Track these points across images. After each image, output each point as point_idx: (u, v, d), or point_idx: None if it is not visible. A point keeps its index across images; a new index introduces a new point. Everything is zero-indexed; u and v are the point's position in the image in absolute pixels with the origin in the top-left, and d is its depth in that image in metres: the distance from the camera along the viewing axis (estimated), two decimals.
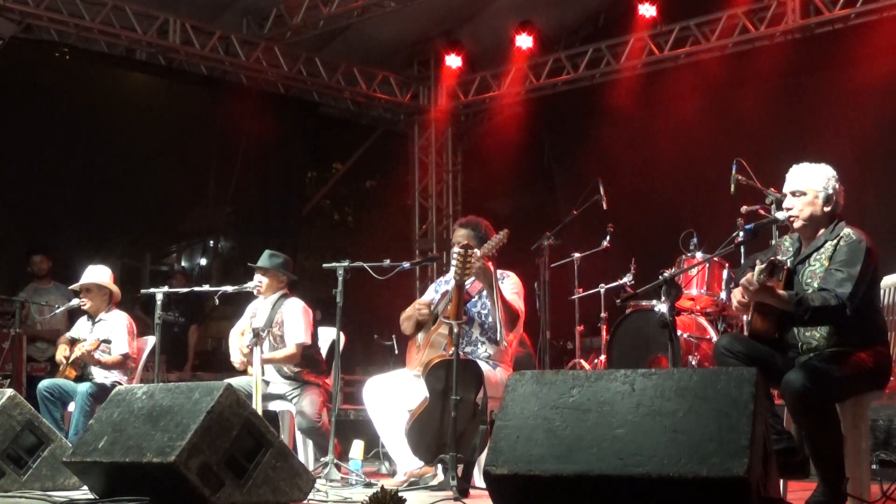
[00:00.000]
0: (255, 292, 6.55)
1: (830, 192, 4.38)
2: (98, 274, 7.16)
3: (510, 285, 5.79)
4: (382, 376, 5.96)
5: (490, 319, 5.71)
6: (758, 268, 4.14)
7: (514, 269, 6.01)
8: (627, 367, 3.84)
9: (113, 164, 10.53)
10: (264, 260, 6.56)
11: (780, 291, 4.20)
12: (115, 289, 7.19)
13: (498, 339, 5.70)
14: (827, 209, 4.38)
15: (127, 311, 7.30)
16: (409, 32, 11.84)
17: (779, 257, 4.50)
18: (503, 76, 11.90)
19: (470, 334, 5.75)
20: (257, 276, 6.54)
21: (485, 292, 5.68)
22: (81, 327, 7.24)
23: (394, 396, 5.73)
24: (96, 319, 7.11)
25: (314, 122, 12.41)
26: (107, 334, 6.97)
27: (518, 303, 5.73)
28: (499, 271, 5.77)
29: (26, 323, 8.75)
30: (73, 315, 8.04)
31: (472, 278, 5.61)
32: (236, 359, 6.43)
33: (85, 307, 7.13)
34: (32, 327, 9.02)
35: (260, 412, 5.74)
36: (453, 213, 12.76)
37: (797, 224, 4.43)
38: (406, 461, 5.57)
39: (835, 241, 4.32)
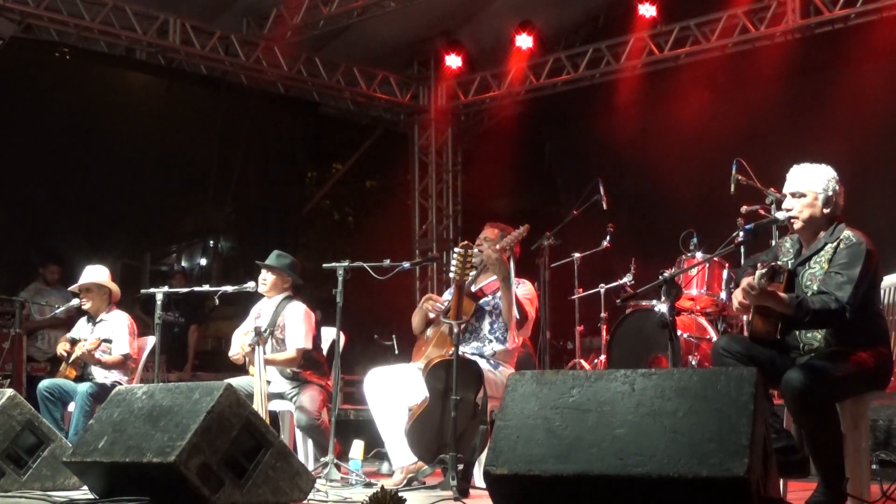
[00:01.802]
0: (259, 289, 6.55)
1: (830, 193, 4.36)
2: (97, 274, 7.16)
3: (524, 292, 5.84)
4: (384, 368, 5.97)
5: (499, 320, 5.74)
6: (759, 272, 4.13)
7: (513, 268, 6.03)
8: (627, 367, 3.84)
9: (113, 163, 10.53)
10: (272, 259, 6.57)
11: (781, 295, 4.19)
12: (115, 287, 7.20)
13: (506, 338, 5.72)
14: (826, 211, 4.37)
15: (127, 311, 7.30)
16: (409, 32, 11.84)
17: (780, 258, 4.51)
18: (503, 76, 11.91)
19: (479, 330, 5.79)
20: (263, 274, 6.55)
21: (499, 292, 5.70)
22: (82, 328, 7.24)
23: (394, 389, 5.74)
24: (97, 320, 7.11)
25: (314, 122, 12.41)
26: (108, 334, 6.97)
27: (529, 307, 5.77)
28: (514, 277, 5.81)
29: (29, 319, 8.78)
30: (73, 318, 8.06)
31: (471, 278, 5.64)
32: (234, 353, 6.43)
33: (86, 307, 7.13)
34: (32, 322, 9.03)
35: (264, 411, 5.77)
36: (453, 213, 12.77)
37: (797, 225, 4.42)
38: (402, 456, 5.58)
39: (835, 243, 4.31)
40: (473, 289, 5.74)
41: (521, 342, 6.01)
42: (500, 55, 11.64)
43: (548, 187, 12.70)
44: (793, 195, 4.41)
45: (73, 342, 7.08)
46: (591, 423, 3.45)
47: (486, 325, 5.79)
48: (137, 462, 4.39)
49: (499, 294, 5.74)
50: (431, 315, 5.84)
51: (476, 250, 5.62)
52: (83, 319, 7.30)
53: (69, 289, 7.39)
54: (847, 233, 4.31)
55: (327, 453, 5.84)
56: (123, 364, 6.93)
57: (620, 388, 3.50)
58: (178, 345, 10.53)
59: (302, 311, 6.42)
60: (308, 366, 6.36)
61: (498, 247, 5.54)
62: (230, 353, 6.51)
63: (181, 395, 4.58)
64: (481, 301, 5.77)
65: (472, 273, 5.67)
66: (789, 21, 9.84)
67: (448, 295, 6.04)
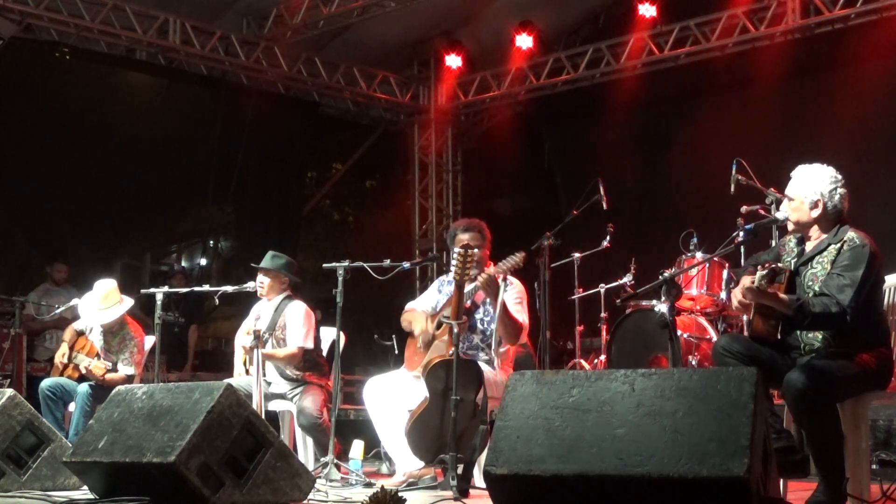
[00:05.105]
0: (257, 292, 6.54)
1: (817, 198, 4.36)
2: (115, 304, 7.08)
3: (514, 294, 5.75)
4: (382, 376, 5.96)
5: (491, 327, 5.71)
6: (759, 273, 4.14)
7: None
8: (627, 367, 3.84)
9: (113, 163, 10.53)
10: (267, 261, 6.54)
11: (782, 296, 4.20)
12: (129, 302, 7.19)
13: (499, 343, 5.70)
14: (815, 214, 4.38)
15: (128, 311, 7.31)
16: (409, 32, 11.84)
17: (783, 257, 4.52)
18: (503, 76, 11.90)
19: (470, 339, 5.74)
20: (259, 277, 6.52)
21: (489, 301, 5.67)
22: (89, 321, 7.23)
23: (394, 396, 5.73)
24: (108, 326, 7.13)
25: (314, 122, 12.42)
26: (115, 353, 6.99)
27: (521, 314, 5.69)
28: (503, 279, 5.76)
29: (35, 321, 8.76)
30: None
31: (475, 283, 5.61)
32: (239, 369, 6.42)
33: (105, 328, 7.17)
34: (38, 323, 9.03)
35: (262, 413, 5.76)
36: (453, 213, 12.77)
37: (789, 227, 4.48)
38: (405, 461, 5.57)
39: (838, 244, 4.31)
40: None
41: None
42: (500, 55, 11.64)
43: (548, 187, 12.70)
44: (787, 198, 4.45)
45: (80, 333, 7.10)
46: (591, 423, 3.45)
47: (478, 335, 5.77)
48: (137, 462, 4.39)
49: (488, 303, 5.68)
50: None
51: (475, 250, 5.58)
52: None
53: (84, 313, 7.27)
54: (851, 234, 4.31)
55: (327, 453, 5.84)
56: (125, 382, 6.95)
57: (620, 388, 3.50)
58: (178, 345, 10.52)
59: (303, 310, 6.42)
60: (308, 367, 6.35)
61: (493, 271, 5.48)
62: (236, 369, 6.47)
63: (181, 395, 4.58)
64: (472, 313, 5.72)
65: (472, 286, 5.64)
66: (789, 21, 9.84)
67: (435, 293, 6.01)
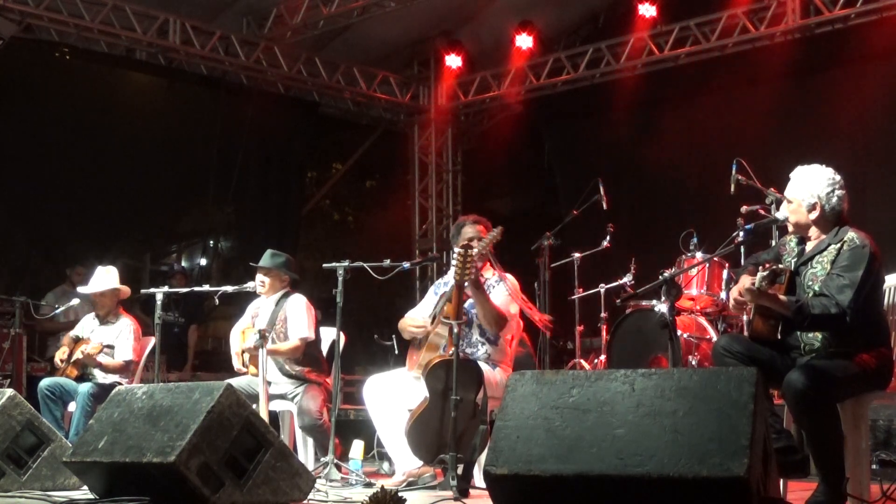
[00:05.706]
0: (257, 290, 6.54)
1: (814, 200, 4.36)
2: (109, 279, 7.18)
3: (503, 290, 5.73)
4: (383, 375, 5.96)
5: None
6: (760, 274, 4.14)
7: (514, 269, 5.99)
8: (627, 367, 3.84)
9: (113, 163, 10.54)
10: (266, 259, 6.54)
11: (781, 297, 4.20)
12: (126, 288, 7.24)
13: (497, 337, 5.70)
14: (812, 216, 4.38)
15: (127, 311, 7.32)
16: (409, 32, 11.85)
17: (783, 257, 4.52)
18: (503, 76, 11.91)
19: (469, 335, 5.73)
20: (259, 276, 6.52)
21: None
22: (87, 325, 7.25)
23: (394, 395, 5.73)
24: (104, 320, 7.14)
25: (314, 121, 12.42)
26: (112, 339, 7.01)
27: (506, 306, 5.68)
28: (496, 275, 5.76)
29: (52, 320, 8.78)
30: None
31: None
32: (238, 364, 6.42)
33: (101, 312, 7.17)
34: (54, 323, 9.04)
35: (266, 413, 5.76)
36: (453, 213, 12.76)
37: (789, 227, 4.50)
38: (405, 461, 5.57)
39: (838, 244, 4.31)
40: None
41: (515, 340, 5.97)
42: (500, 55, 11.64)
43: (548, 187, 12.70)
44: (786, 200, 4.47)
45: (77, 340, 7.10)
46: (591, 423, 3.45)
47: (475, 330, 5.76)
48: (137, 462, 4.39)
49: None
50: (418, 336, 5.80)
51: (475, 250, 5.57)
52: (89, 316, 7.32)
53: (80, 290, 7.34)
54: (851, 234, 4.31)
55: (327, 453, 5.84)
56: (125, 369, 6.97)
57: (620, 388, 3.50)
58: (178, 345, 10.53)
59: (303, 302, 6.43)
60: (307, 361, 6.35)
61: (474, 253, 5.46)
62: (235, 365, 6.46)
63: (181, 395, 4.59)
64: (466, 305, 5.72)
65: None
66: (789, 21, 9.84)
67: (432, 297, 6.00)
